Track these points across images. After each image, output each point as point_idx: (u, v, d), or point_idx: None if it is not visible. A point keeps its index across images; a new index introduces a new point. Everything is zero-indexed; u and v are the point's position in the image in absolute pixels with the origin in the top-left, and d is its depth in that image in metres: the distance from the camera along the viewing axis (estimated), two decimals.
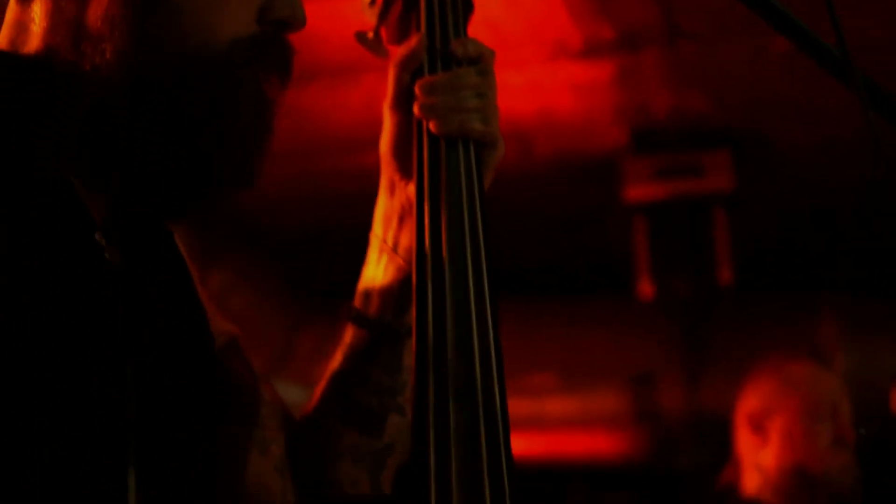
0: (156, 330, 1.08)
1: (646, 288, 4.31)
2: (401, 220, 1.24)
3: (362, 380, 1.25)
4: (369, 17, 1.23)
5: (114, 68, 1.02)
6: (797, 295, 4.83)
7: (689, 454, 4.65)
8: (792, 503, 2.68)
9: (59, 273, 0.98)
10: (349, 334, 1.27)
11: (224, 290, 4.60)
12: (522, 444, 4.84)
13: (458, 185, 1.12)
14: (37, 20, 1.06)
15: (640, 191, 4.26)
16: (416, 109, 1.16)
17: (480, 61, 1.18)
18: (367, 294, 1.26)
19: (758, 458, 2.74)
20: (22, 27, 1.07)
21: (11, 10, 1.09)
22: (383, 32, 1.23)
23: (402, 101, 1.20)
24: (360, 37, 1.23)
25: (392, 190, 1.24)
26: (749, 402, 2.80)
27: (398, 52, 1.20)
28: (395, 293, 1.24)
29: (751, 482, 2.75)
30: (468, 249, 1.08)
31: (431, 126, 1.14)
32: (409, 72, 1.19)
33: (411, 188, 1.17)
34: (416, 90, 1.16)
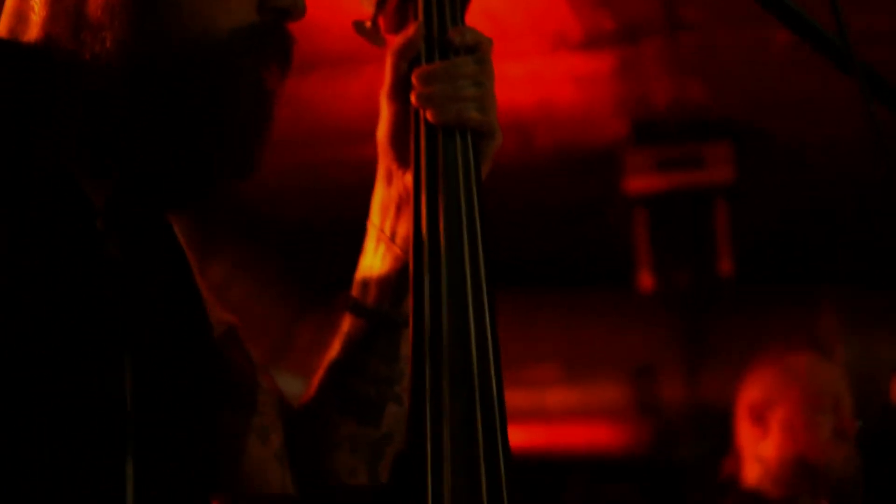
0: (155, 320, 1.08)
1: (646, 280, 4.31)
2: (398, 209, 1.23)
3: (360, 369, 1.25)
4: (367, 7, 1.23)
5: (114, 57, 1.02)
6: (797, 287, 4.84)
7: (690, 446, 4.66)
8: (793, 494, 2.68)
9: (59, 263, 0.98)
10: (346, 323, 1.27)
11: (224, 281, 4.60)
12: (523, 436, 4.86)
13: (455, 174, 1.12)
14: (36, 9, 1.06)
15: (640, 182, 4.25)
16: (413, 99, 1.16)
17: (478, 50, 1.18)
18: (365, 283, 1.26)
19: (758, 449, 2.74)
20: (21, 16, 1.07)
21: None
22: (381, 21, 1.23)
23: (400, 90, 1.19)
24: (358, 26, 1.23)
25: (389, 179, 1.24)
26: (750, 393, 2.80)
27: (395, 40, 1.20)
28: (393, 282, 1.23)
29: (751, 473, 2.75)
30: (465, 239, 1.08)
31: (428, 115, 1.14)
32: (407, 61, 1.19)
33: (409, 177, 1.16)
34: (413, 79, 1.16)
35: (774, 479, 2.70)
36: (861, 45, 1.18)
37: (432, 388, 1.01)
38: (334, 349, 1.27)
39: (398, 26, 1.21)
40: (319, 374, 1.28)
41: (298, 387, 1.32)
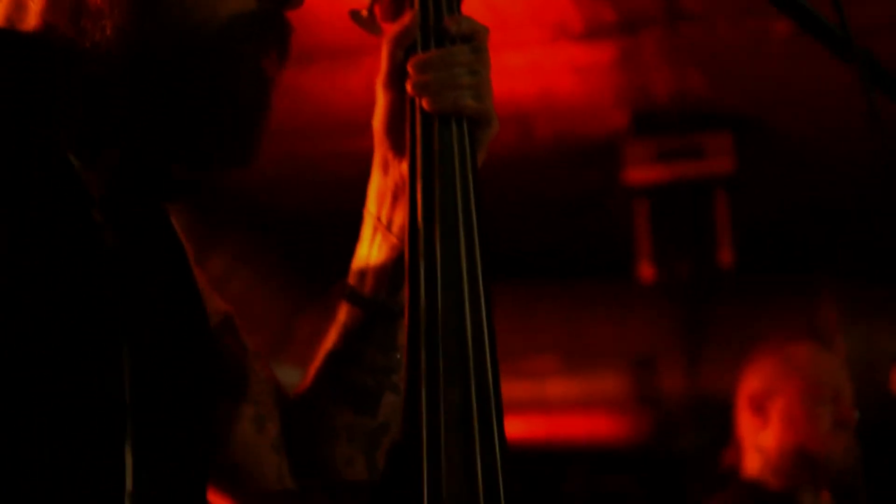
0: (152, 309, 1.08)
1: (646, 270, 4.31)
2: (395, 198, 1.23)
3: (357, 359, 1.25)
4: None
5: (114, 45, 1.02)
6: (797, 277, 4.84)
7: (690, 437, 4.66)
8: (793, 484, 2.68)
9: (58, 253, 0.98)
10: (343, 313, 1.27)
11: (224, 273, 4.61)
12: (523, 427, 4.87)
13: (451, 162, 1.11)
14: None
15: (640, 173, 4.25)
16: (408, 87, 1.16)
17: (474, 38, 1.18)
18: (361, 272, 1.26)
19: (759, 439, 2.74)
20: (19, 4, 1.07)
21: None
22: (377, 10, 1.23)
23: (396, 78, 1.19)
24: (355, 15, 1.23)
25: (386, 168, 1.24)
26: (750, 383, 2.80)
27: (391, 29, 1.20)
28: (389, 272, 1.23)
29: (752, 464, 2.75)
30: (461, 227, 1.08)
31: (424, 103, 1.14)
32: (403, 49, 1.18)
33: (405, 166, 1.16)
34: (409, 68, 1.16)
35: (774, 469, 2.70)
36: (862, 37, 1.18)
37: (428, 376, 1.01)
38: (331, 339, 1.27)
39: (394, 15, 1.21)
40: (316, 363, 1.28)
41: (298, 379, 1.32)
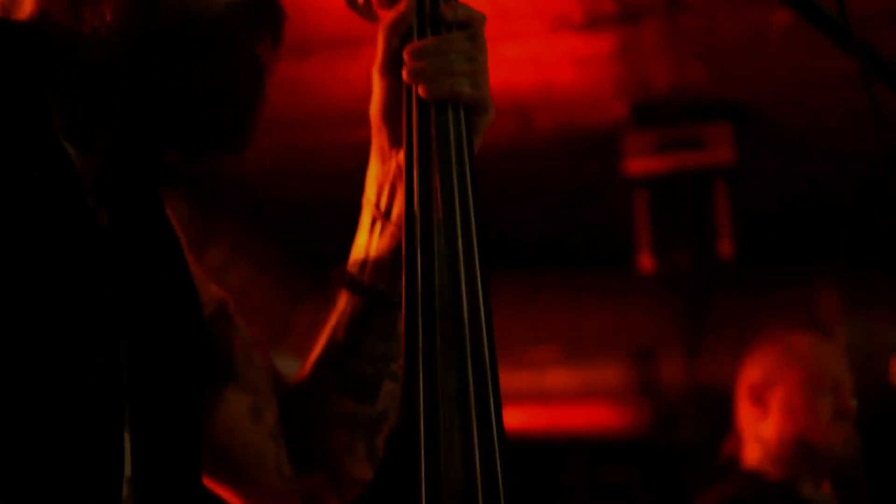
0: (146, 294, 1.08)
1: (647, 261, 4.31)
2: (393, 186, 1.23)
3: (357, 347, 1.25)
4: None
5: (113, 31, 1.02)
6: (797, 268, 4.84)
7: (690, 427, 4.67)
8: (793, 475, 2.68)
9: (53, 237, 0.99)
10: (343, 301, 1.27)
11: (223, 264, 4.60)
12: (523, 417, 4.87)
13: (447, 149, 1.11)
14: None
15: (640, 164, 4.25)
16: (404, 74, 1.15)
17: (470, 26, 1.18)
18: (361, 261, 1.26)
19: (758, 430, 2.74)
20: None
21: None
22: None
23: (392, 66, 1.19)
24: (351, 2, 1.23)
25: (384, 156, 1.24)
26: (750, 373, 2.80)
27: (387, 16, 1.20)
28: (388, 260, 1.23)
29: (752, 454, 2.75)
30: (458, 214, 1.08)
31: (420, 90, 1.14)
32: (398, 36, 1.18)
33: (402, 154, 1.16)
34: (405, 55, 1.16)
35: (774, 459, 2.70)
36: (862, 27, 1.17)
37: (425, 362, 1.01)
38: (331, 327, 1.27)
39: (391, 2, 1.21)
40: (316, 351, 1.28)
41: (297, 369, 1.32)
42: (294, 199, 4.96)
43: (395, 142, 1.22)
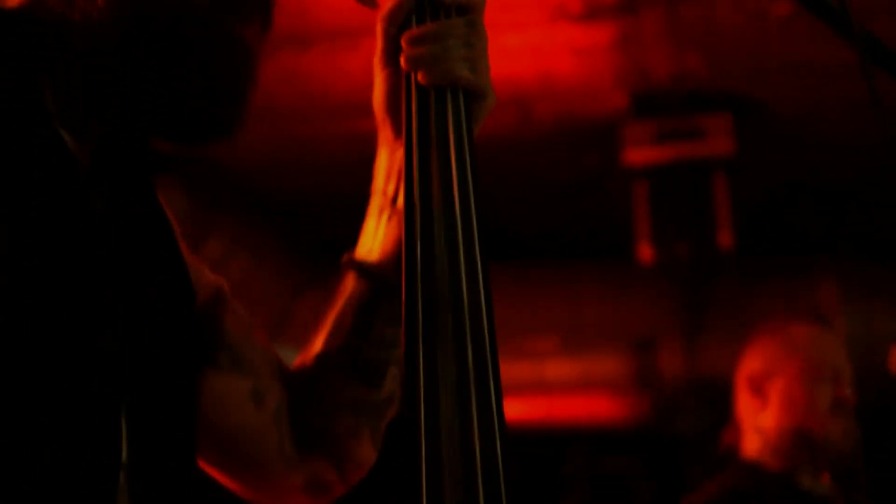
0: (139, 280, 1.08)
1: (646, 252, 4.31)
2: (399, 174, 1.23)
3: (364, 332, 1.26)
4: None
5: (106, 16, 1.02)
6: (797, 259, 4.84)
7: (690, 418, 4.67)
8: (792, 465, 2.68)
9: (49, 221, 0.99)
10: (350, 286, 1.27)
11: (223, 256, 4.60)
12: (523, 408, 4.87)
13: (446, 136, 1.11)
14: None
15: (640, 155, 4.25)
16: (403, 61, 1.15)
17: (469, 12, 1.17)
18: (369, 246, 1.26)
19: (758, 420, 2.74)
20: None
21: None
22: None
23: (391, 55, 1.19)
24: None
25: (390, 145, 1.24)
26: (749, 364, 2.80)
27: (386, 3, 1.20)
28: (396, 246, 1.23)
29: (751, 445, 2.75)
30: (457, 201, 1.07)
31: (420, 76, 1.13)
32: (397, 24, 1.18)
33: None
34: (403, 42, 1.16)
35: (774, 450, 2.71)
36: (862, 17, 1.17)
37: (425, 353, 1.01)
38: (337, 311, 1.28)
39: None
40: (322, 336, 1.29)
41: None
42: (294, 191, 4.96)
43: (399, 131, 1.22)
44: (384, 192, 1.25)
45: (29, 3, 1.06)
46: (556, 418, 5.08)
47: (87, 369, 0.98)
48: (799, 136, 4.44)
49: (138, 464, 1.01)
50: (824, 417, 2.68)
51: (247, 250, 4.87)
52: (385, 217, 1.25)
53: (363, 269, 1.25)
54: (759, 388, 2.74)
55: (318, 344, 1.29)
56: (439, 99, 1.13)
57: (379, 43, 1.21)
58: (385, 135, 1.24)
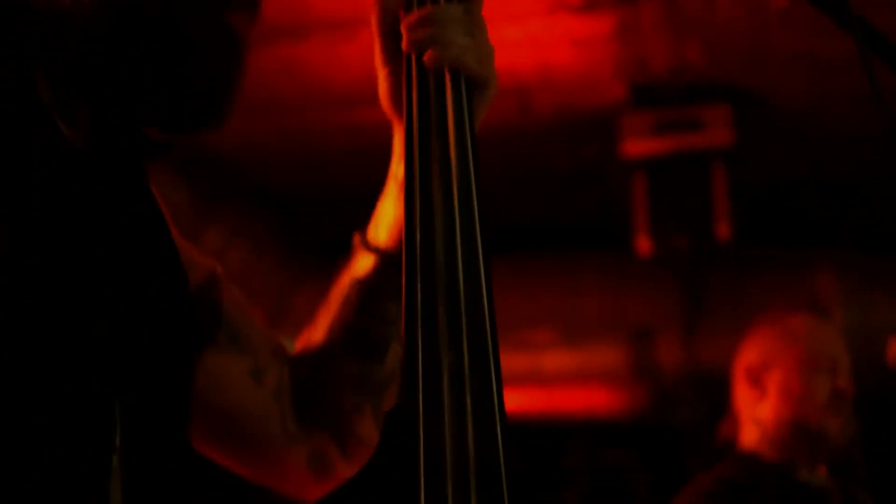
0: (131, 265, 1.08)
1: (645, 243, 4.30)
2: None
3: (370, 309, 1.28)
4: None
5: (96, 4, 1.03)
6: (795, 250, 4.84)
7: (688, 409, 4.67)
8: (789, 457, 2.68)
9: (43, 206, 0.99)
10: (357, 263, 1.29)
11: (221, 247, 4.60)
12: (521, 400, 4.87)
13: (445, 123, 1.11)
14: None
15: (639, 146, 4.24)
16: (403, 45, 1.15)
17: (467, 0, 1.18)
18: (378, 225, 1.29)
19: (755, 411, 2.74)
20: None
21: None
22: None
23: (391, 47, 1.20)
24: None
25: (402, 133, 1.24)
26: (748, 355, 2.80)
27: None
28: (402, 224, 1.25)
29: (748, 436, 2.75)
30: (455, 188, 1.07)
31: (425, 58, 1.13)
32: (393, 9, 1.19)
33: None
34: (403, 27, 1.16)
35: (771, 441, 2.71)
36: (862, 8, 1.17)
37: (424, 340, 1.01)
38: (343, 288, 1.30)
39: None
40: (327, 312, 1.31)
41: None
42: (293, 182, 4.95)
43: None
44: (397, 177, 1.26)
45: None
46: (554, 410, 5.08)
47: (80, 354, 0.99)
48: (798, 128, 4.44)
49: (131, 448, 1.01)
50: (822, 409, 2.68)
51: (246, 241, 4.87)
52: (394, 197, 1.27)
53: (373, 248, 1.27)
54: (756, 380, 2.74)
55: (323, 320, 1.31)
56: (440, 86, 1.13)
57: (376, 33, 1.21)
58: (396, 122, 1.25)
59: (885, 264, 4.67)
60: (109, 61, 1.04)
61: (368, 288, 1.27)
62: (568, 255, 5.05)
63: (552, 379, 4.85)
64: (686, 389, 4.68)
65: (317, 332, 1.31)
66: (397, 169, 1.27)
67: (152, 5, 1.03)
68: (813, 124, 4.40)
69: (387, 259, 1.26)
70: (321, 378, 1.29)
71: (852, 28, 1.13)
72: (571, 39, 3.88)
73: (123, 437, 1.01)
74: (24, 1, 1.05)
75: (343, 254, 1.31)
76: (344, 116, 4.00)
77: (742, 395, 2.79)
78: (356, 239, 1.29)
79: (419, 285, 1.03)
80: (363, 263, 1.28)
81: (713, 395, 3.52)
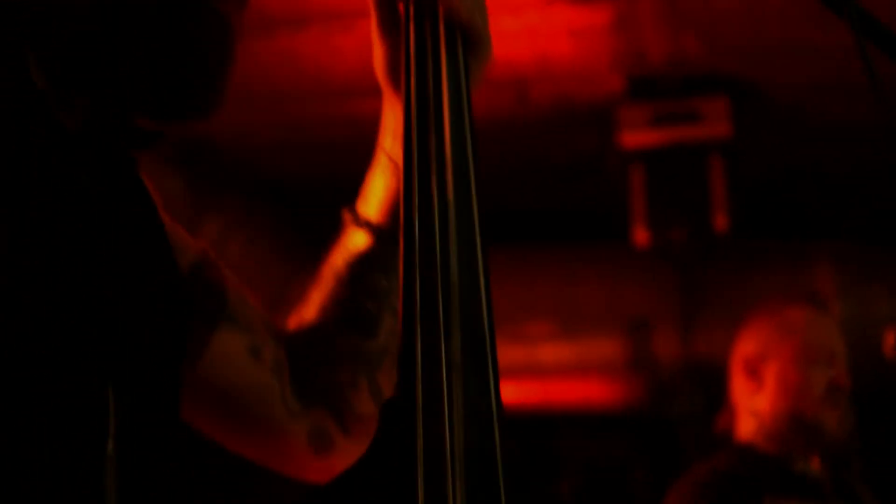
0: (122, 252, 1.08)
1: (642, 235, 4.30)
2: (397, 129, 1.26)
3: (361, 282, 1.28)
4: None
5: None
6: (793, 242, 4.84)
7: (684, 401, 4.67)
8: (786, 449, 2.69)
9: (33, 186, 0.99)
10: (349, 237, 1.30)
11: (219, 238, 4.60)
12: (517, 391, 4.87)
13: (440, 93, 1.10)
14: None
15: (637, 137, 4.24)
16: (401, 7, 1.16)
17: None
18: (368, 199, 1.29)
19: (752, 403, 2.74)
20: None
21: None
22: None
23: (388, 18, 1.20)
24: None
25: (391, 103, 1.26)
26: (745, 346, 2.80)
27: None
28: (393, 196, 1.26)
29: (745, 427, 2.76)
30: (450, 161, 1.07)
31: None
32: None
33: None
34: None
35: (768, 433, 2.71)
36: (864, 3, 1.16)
37: (422, 329, 1.00)
38: (335, 262, 1.30)
39: None
40: (320, 287, 1.31)
41: None
42: (290, 173, 4.95)
43: (398, 91, 1.23)
44: (383, 148, 1.27)
45: None
46: (550, 401, 5.08)
47: (71, 339, 0.98)
48: (796, 120, 4.44)
49: (126, 432, 1.01)
50: (819, 401, 2.68)
51: (244, 233, 4.86)
52: (383, 169, 1.28)
53: (363, 222, 1.28)
54: (754, 371, 2.75)
55: (315, 297, 1.32)
56: (436, 54, 1.12)
57: (373, 9, 1.22)
58: (388, 94, 1.26)
59: (883, 257, 4.67)
60: (97, 49, 1.03)
61: (361, 263, 1.28)
62: (565, 247, 5.05)
63: (549, 370, 4.85)
64: (683, 381, 4.69)
65: (309, 309, 1.32)
66: (385, 141, 1.27)
67: None
68: (811, 116, 4.39)
69: (379, 233, 1.27)
70: (316, 354, 1.30)
71: (849, 17, 1.13)
72: (569, 30, 3.87)
73: (118, 423, 1.00)
74: None
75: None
76: (342, 107, 3.99)
77: (739, 386, 2.79)
78: (346, 215, 1.30)
79: (417, 272, 1.02)
80: (355, 239, 1.29)
81: (710, 388, 3.52)
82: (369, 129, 1.30)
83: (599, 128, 4.35)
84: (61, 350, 0.97)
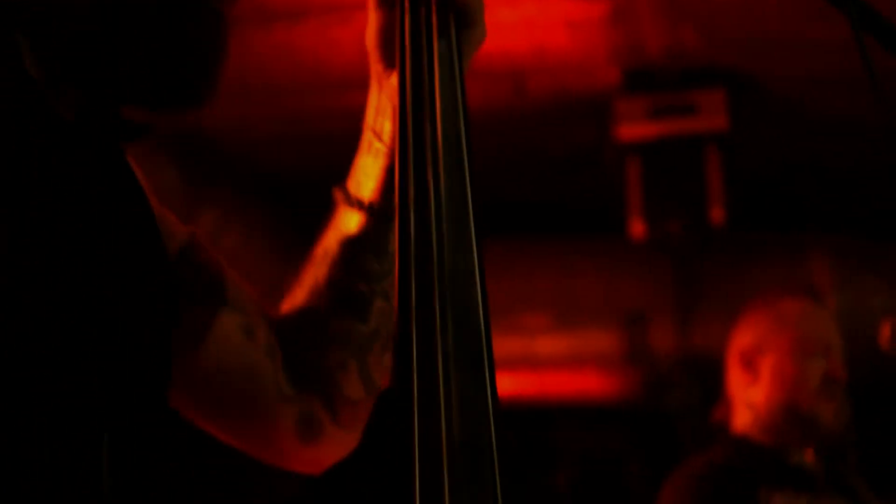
0: (109, 235, 1.08)
1: (638, 227, 4.30)
2: (386, 108, 1.26)
3: (352, 264, 1.28)
4: None
5: None
6: (789, 235, 4.84)
7: (681, 393, 4.68)
8: (782, 441, 2.69)
9: (28, 173, 0.99)
10: (339, 218, 1.29)
11: (214, 230, 4.60)
12: (513, 383, 4.87)
13: (431, 72, 1.10)
14: None
15: (633, 130, 4.24)
16: None
17: None
18: (358, 179, 1.29)
19: (748, 395, 2.75)
20: None
21: None
22: None
23: None
24: None
25: (379, 80, 1.26)
26: (741, 338, 2.81)
27: None
28: (383, 176, 1.26)
29: (741, 419, 2.76)
30: (440, 140, 1.06)
31: None
32: None
33: (395, 78, 1.16)
34: None
35: (763, 425, 2.72)
36: None
37: (417, 321, 1.00)
38: (325, 244, 1.30)
39: None
40: (311, 270, 1.31)
41: None
42: (286, 165, 4.94)
43: (388, 67, 1.23)
44: (371, 127, 1.27)
45: None
46: (547, 393, 5.09)
47: (66, 332, 0.98)
48: (793, 112, 4.44)
49: (120, 424, 1.01)
50: (815, 393, 2.68)
51: (239, 224, 4.86)
52: (372, 150, 1.27)
53: (353, 201, 1.28)
54: (749, 363, 2.75)
55: (307, 279, 1.31)
56: (429, 33, 1.12)
57: None
58: (376, 69, 1.25)
59: (880, 249, 4.68)
60: (91, 39, 1.03)
61: (353, 243, 1.28)
62: (562, 239, 5.05)
63: (545, 362, 4.86)
64: (680, 374, 4.69)
65: (300, 291, 1.32)
66: (369, 117, 1.27)
67: None
68: (808, 109, 4.39)
69: (372, 213, 1.27)
70: (307, 336, 1.29)
71: (849, 10, 1.12)
72: (567, 22, 3.87)
73: (112, 414, 1.00)
74: None
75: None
76: (339, 100, 3.98)
77: (735, 378, 2.79)
78: (338, 195, 1.29)
79: (412, 264, 1.02)
80: (347, 219, 1.29)
81: (707, 380, 3.53)
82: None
83: (596, 120, 4.34)
84: (54, 343, 0.97)
